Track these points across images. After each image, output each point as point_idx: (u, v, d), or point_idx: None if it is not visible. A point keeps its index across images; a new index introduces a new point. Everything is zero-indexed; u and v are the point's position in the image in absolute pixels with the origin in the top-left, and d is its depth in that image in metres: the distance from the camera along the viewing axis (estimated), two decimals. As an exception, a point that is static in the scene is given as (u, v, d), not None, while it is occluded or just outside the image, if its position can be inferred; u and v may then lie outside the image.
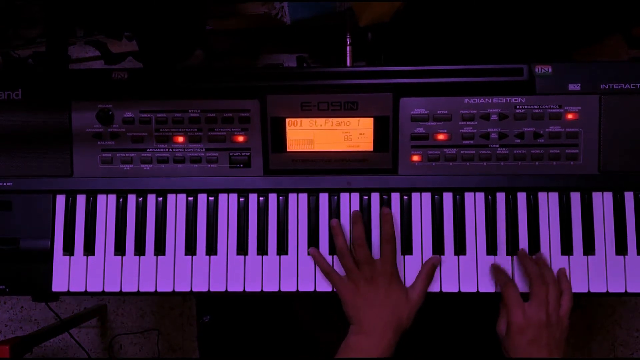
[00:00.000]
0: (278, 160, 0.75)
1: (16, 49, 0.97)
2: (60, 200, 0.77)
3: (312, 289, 0.75)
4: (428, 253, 0.75)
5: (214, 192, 0.77)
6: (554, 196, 0.75)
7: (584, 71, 0.73)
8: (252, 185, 0.76)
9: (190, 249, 0.76)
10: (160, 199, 0.77)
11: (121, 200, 0.77)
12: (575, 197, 0.74)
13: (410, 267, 0.75)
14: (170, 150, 0.76)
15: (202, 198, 0.77)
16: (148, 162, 0.76)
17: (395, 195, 0.76)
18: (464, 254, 0.75)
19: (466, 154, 0.74)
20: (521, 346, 0.66)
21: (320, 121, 0.74)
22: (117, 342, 1.52)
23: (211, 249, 0.76)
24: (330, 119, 0.74)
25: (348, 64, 0.89)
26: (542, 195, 0.75)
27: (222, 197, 0.77)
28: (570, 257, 0.74)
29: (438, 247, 0.75)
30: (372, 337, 0.68)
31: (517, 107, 0.73)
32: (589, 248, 0.74)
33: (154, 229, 0.77)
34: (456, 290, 0.74)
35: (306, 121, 0.74)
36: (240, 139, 0.76)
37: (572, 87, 0.73)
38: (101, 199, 0.77)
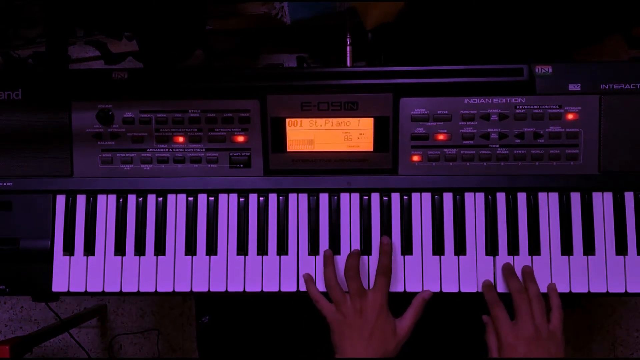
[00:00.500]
0: (278, 160, 0.75)
1: (16, 49, 0.97)
2: (60, 200, 0.77)
3: (312, 289, 0.75)
4: (428, 253, 0.75)
5: (214, 192, 0.77)
6: (554, 196, 0.75)
7: (584, 71, 0.73)
8: (252, 186, 0.76)
9: (190, 249, 0.76)
10: (160, 199, 0.77)
11: (121, 200, 0.77)
12: (575, 197, 0.74)
13: (410, 268, 0.75)
14: (170, 150, 0.76)
15: (202, 198, 0.77)
16: (148, 162, 0.76)
17: (395, 195, 0.76)
18: (464, 254, 0.75)
19: (466, 154, 0.74)
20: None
21: (321, 121, 0.74)
22: (117, 342, 1.52)
23: (211, 249, 0.76)
24: (331, 119, 0.74)
25: (348, 64, 0.89)
26: (542, 196, 0.75)
27: (222, 197, 0.77)
28: (570, 257, 0.74)
29: (438, 247, 0.75)
30: None
31: (517, 107, 0.73)
32: (589, 248, 0.74)
33: (154, 229, 0.77)
34: (456, 290, 0.74)
35: (306, 121, 0.74)
36: (240, 139, 0.76)
37: (572, 87, 0.73)
38: (101, 199, 0.77)
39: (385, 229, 0.75)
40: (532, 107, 0.73)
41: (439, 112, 0.74)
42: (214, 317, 0.92)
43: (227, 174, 0.76)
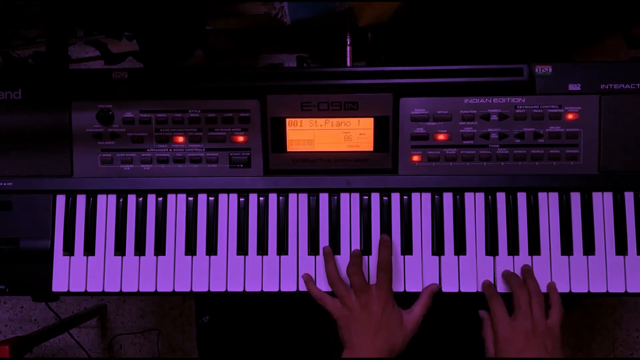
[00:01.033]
0: (278, 160, 0.75)
1: (16, 49, 0.97)
2: (60, 200, 0.77)
3: (312, 289, 0.75)
4: (428, 253, 0.75)
5: (214, 192, 0.77)
6: (554, 196, 0.75)
7: (584, 71, 0.73)
8: (252, 186, 0.76)
9: (190, 249, 0.76)
10: (160, 199, 0.77)
11: (121, 200, 0.77)
12: (575, 197, 0.74)
13: (410, 268, 0.75)
14: (170, 150, 0.76)
15: (202, 198, 0.77)
16: (148, 162, 0.76)
17: (395, 195, 0.76)
18: (464, 254, 0.75)
19: (466, 154, 0.74)
20: (512, 357, 0.66)
21: (321, 121, 0.74)
22: (117, 342, 1.52)
23: (211, 249, 0.76)
24: (331, 119, 0.74)
25: (348, 64, 0.89)
26: (542, 195, 0.75)
27: (222, 197, 0.77)
28: (570, 257, 0.74)
29: (438, 247, 0.75)
30: None
31: (517, 107, 0.73)
32: (589, 248, 0.74)
33: (154, 229, 0.77)
34: (456, 290, 0.74)
35: (306, 121, 0.74)
36: (240, 139, 0.76)
37: (572, 87, 0.73)
38: (101, 199, 0.77)
39: (385, 229, 0.75)
40: (532, 107, 0.73)
41: (439, 112, 0.74)
42: (214, 317, 0.92)
43: (227, 174, 0.76)
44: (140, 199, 0.77)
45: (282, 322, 0.90)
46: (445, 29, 0.91)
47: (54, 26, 0.85)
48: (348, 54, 0.88)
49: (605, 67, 0.73)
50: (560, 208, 0.74)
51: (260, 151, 0.76)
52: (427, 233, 0.75)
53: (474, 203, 0.75)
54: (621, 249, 0.73)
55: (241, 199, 0.77)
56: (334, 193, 0.76)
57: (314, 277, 0.75)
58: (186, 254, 0.76)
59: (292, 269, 0.76)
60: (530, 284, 0.71)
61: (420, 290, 0.74)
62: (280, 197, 0.77)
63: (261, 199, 0.77)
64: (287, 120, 0.74)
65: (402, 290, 0.74)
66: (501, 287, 0.73)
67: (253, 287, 0.75)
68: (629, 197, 0.74)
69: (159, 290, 0.76)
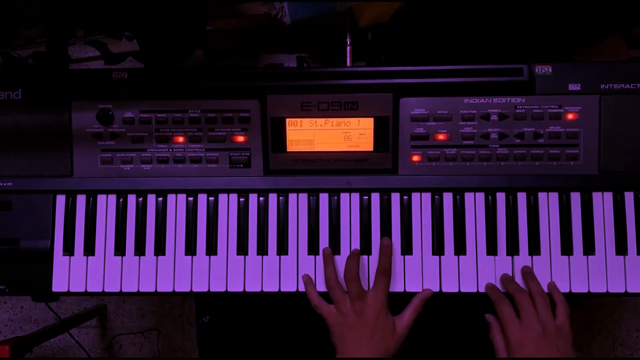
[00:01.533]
0: (278, 160, 0.75)
1: (16, 49, 0.97)
2: (60, 200, 0.77)
3: (312, 289, 0.75)
4: (428, 253, 0.75)
5: (214, 192, 0.77)
6: (554, 196, 0.75)
7: (584, 71, 0.73)
8: (252, 186, 0.76)
9: (190, 249, 0.76)
10: (160, 199, 0.77)
11: (121, 200, 0.77)
12: (575, 197, 0.74)
13: (410, 268, 0.75)
14: (170, 150, 0.76)
15: (202, 198, 0.77)
16: (148, 162, 0.76)
17: (395, 195, 0.76)
18: (464, 254, 0.75)
19: (466, 154, 0.74)
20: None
21: (321, 121, 0.74)
22: (117, 342, 1.52)
23: (211, 249, 0.76)
24: (330, 119, 0.74)
25: (348, 64, 0.89)
26: (542, 195, 0.75)
27: (222, 197, 0.77)
28: (570, 257, 0.74)
29: (438, 247, 0.75)
30: None
31: (517, 107, 0.73)
32: (589, 248, 0.74)
33: (154, 229, 0.77)
34: (456, 290, 0.74)
35: (306, 121, 0.74)
36: (240, 139, 0.76)
37: (572, 87, 0.73)
38: (101, 199, 0.77)
39: (385, 229, 0.75)
40: (532, 107, 0.73)
41: (439, 112, 0.74)
42: (214, 317, 0.92)
43: (227, 174, 0.76)
44: (140, 199, 0.77)
45: (282, 322, 0.90)
46: (445, 29, 0.91)
47: (54, 26, 0.85)
48: (348, 54, 0.88)
49: (605, 67, 0.73)
50: (560, 208, 0.74)
51: (260, 151, 0.76)
52: (427, 233, 0.75)
53: (474, 203, 0.75)
54: (621, 249, 0.73)
55: (241, 199, 0.77)
56: (334, 193, 0.76)
57: (313, 277, 0.75)
58: (186, 254, 0.76)
59: (292, 269, 0.76)
60: (532, 285, 0.70)
61: (420, 290, 0.74)
62: (280, 197, 0.77)
63: (261, 199, 0.77)
64: (287, 120, 0.74)
65: (402, 290, 0.74)
66: (502, 287, 0.73)
67: (253, 287, 0.75)
68: (629, 197, 0.74)
69: (159, 290, 0.76)
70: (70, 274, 0.77)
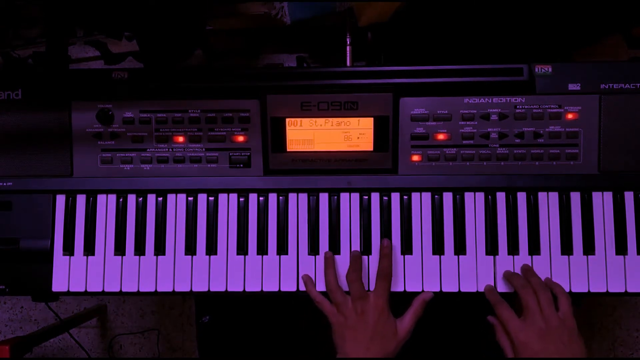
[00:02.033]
0: (278, 160, 0.75)
1: (16, 49, 0.97)
2: (60, 200, 0.77)
3: (312, 289, 0.75)
4: (428, 253, 0.75)
5: (214, 192, 0.77)
6: (554, 196, 0.75)
7: (584, 71, 0.73)
8: (252, 185, 0.76)
9: (190, 249, 0.76)
10: (160, 199, 0.77)
11: (121, 200, 0.77)
12: (575, 197, 0.74)
13: (410, 267, 0.75)
14: (170, 150, 0.76)
15: (202, 198, 0.77)
16: (148, 162, 0.76)
17: (395, 195, 0.76)
18: (464, 253, 0.75)
19: (466, 153, 0.74)
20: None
21: (320, 121, 0.74)
22: (117, 342, 1.52)
23: (211, 249, 0.76)
24: (330, 119, 0.74)
25: (348, 64, 0.89)
26: (542, 195, 0.75)
27: (222, 197, 0.77)
28: (570, 257, 0.74)
29: (438, 247, 0.75)
30: None
31: (517, 107, 0.73)
32: (589, 248, 0.74)
33: (153, 229, 0.77)
34: (456, 290, 0.74)
35: (306, 121, 0.74)
36: (240, 139, 0.76)
37: (572, 87, 0.73)
38: (101, 199, 0.77)
39: (385, 229, 0.75)
40: (532, 106, 0.73)
41: (439, 111, 0.74)
42: (214, 317, 0.92)
43: (227, 173, 0.76)
44: (140, 198, 0.77)
45: (282, 322, 0.90)
46: (445, 29, 0.91)
47: (54, 26, 0.85)
48: (348, 54, 0.89)
49: (605, 67, 0.73)
50: (560, 208, 0.74)
51: (260, 151, 0.76)
52: (427, 233, 0.75)
53: (474, 203, 0.75)
54: (621, 248, 0.73)
55: (241, 199, 0.77)
56: (334, 193, 0.76)
57: (313, 277, 0.75)
58: (186, 254, 0.76)
59: (292, 268, 0.76)
60: (534, 281, 0.70)
61: (420, 290, 0.74)
62: (280, 197, 0.77)
63: (261, 198, 0.77)
64: (287, 120, 0.74)
65: (402, 290, 0.74)
66: (501, 287, 0.73)
67: (253, 287, 0.75)
68: (628, 197, 0.74)
69: (159, 290, 0.76)
70: (70, 273, 0.77)
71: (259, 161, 0.76)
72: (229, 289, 0.76)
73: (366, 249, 0.75)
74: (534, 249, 0.74)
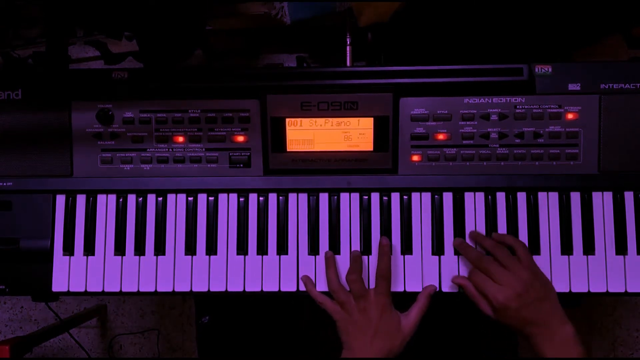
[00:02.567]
0: (278, 160, 0.75)
1: (16, 49, 0.97)
2: (60, 200, 0.77)
3: (312, 289, 0.75)
4: (428, 253, 0.75)
5: (214, 192, 0.77)
6: (554, 196, 0.75)
7: (584, 71, 0.73)
8: (252, 185, 0.76)
9: (190, 249, 0.76)
10: (160, 199, 0.77)
11: (121, 200, 0.77)
12: (575, 197, 0.74)
13: (410, 267, 0.75)
14: (170, 150, 0.76)
15: (202, 198, 0.77)
16: (148, 162, 0.76)
17: (395, 195, 0.76)
18: (464, 253, 0.74)
19: (466, 153, 0.74)
20: (514, 318, 0.67)
21: (320, 121, 0.74)
22: (117, 342, 1.52)
23: (211, 249, 0.76)
24: (330, 119, 0.74)
25: (348, 64, 0.89)
26: (542, 195, 0.75)
27: (222, 197, 0.77)
28: (570, 257, 0.74)
29: (438, 247, 0.75)
30: None
31: (517, 107, 0.73)
32: (589, 248, 0.74)
33: (153, 229, 0.77)
34: (456, 290, 0.74)
35: (306, 121, 0.74)
36: (240, 139, 0.76)
37: (572, 87, 0.73)
38: (101, 199, 0.77)
39: (385, 229, 0.75)
40: (532, 106, 0.73)
41: (438, 111, 0.74)
42: (214, 317, 0.92)
43: (227, 173, 0.76)
44: (140, 199, 0.77)
45: (282, 322, 0.90)
46: (444, 29, 0.91)
47: (54, 26, 0.85)
48: (348, 54, 0.88)
49: (605, 67, 0.73)
50: (560, 208, 0.74)
51: (260, 151, 0.76)
52: (427, 233, 0.75)
53: (474, 203, 0.75)
54: (621, 248, 0.73)
55: (241, 199, 0.77)
56: (334, 193, 0.76)
57: (313, 277, 0.75)
58: (186, 254, 0.76)
59: (292, 269, 0.76)
60: (486, 242, 0.72)
61: (419, 290, 0.74)
62: (280, 197, 0.77)
63: (261, 198, 0.77)
64: (287, 120, 0.74)
65: (401, 290, 0.74)
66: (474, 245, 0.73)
67: (253, 287, 0.75)
68: (628, 197, 0.74)
69: (159, 290, 0.76)
70: (70, 273, 0.77)
71: (259, 161, 0.76)
72: (228, 289, 0.76)
73: (366, 248, 0.75)
74: (534, 248, 0.74)
